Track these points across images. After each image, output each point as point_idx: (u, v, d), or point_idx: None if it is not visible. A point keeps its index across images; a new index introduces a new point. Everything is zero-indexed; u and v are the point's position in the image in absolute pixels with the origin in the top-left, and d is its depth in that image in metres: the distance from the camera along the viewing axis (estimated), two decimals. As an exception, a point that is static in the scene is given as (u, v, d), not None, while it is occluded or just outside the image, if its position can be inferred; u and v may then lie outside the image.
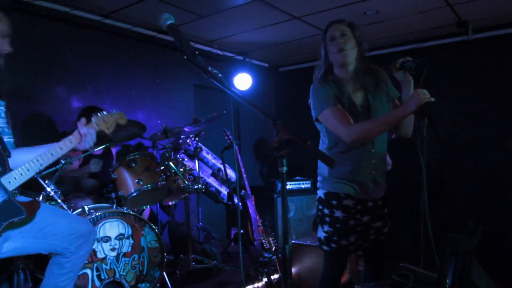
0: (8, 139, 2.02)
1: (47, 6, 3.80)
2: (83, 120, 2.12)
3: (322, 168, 2.44)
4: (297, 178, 5.29)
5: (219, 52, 5.46)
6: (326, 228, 2.35)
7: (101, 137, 3.26)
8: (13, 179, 1.80)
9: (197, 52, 1.67)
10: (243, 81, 5.55)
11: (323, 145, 2.42)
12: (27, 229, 1.93)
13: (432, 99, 2.03)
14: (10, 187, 1.78)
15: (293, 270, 3.90)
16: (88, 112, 3.71)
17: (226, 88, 1.62)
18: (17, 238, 1.91)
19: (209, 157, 4.53)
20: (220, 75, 1.66)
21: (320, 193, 2.42)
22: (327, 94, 2.25)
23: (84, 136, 2.07)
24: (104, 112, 2.28)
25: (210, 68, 1.64)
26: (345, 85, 2.32)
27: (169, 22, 1.72)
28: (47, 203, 3.13)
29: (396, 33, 5.02)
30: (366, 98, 2.34)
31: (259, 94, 6.18)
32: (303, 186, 5.27)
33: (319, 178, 2.47)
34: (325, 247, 2.37)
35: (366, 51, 2.33)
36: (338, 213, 2.31)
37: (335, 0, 4.06)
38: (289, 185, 5.19)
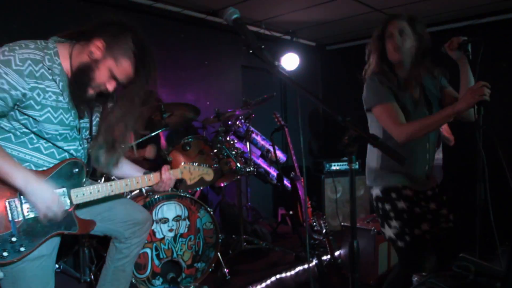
0: None
1: (101, -8, 3.89)
2: (167, 166, 2.14)
3: (372, 160, 2.39)
4: (345, 158, 5.25)
5: (267, 32, 5.42)
6: (393, 223, 2.27)
7: (155, 121, 3.37)
8: (81, 195, 1.84)
9: (263, 46, 1.67)
10: (290, 61, 5.50)
11: None
12: (87, 211, 1.99)
13: (487, 98, 1.96)
14: (75, 201, 1.83)
15: (342, 252, 3.93)
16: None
17: (293, 83, 1.61)
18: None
19: (258, 138, 4.58)
20: (286, 69, 1.65)
21: (376, 191, 2.35)
22: (383, 89, 2.21)
23: (163, 181, 2.11)
24: (195, 163, 2.31)
25: (276, 63, 1.64)
26: (401, 82, 2.27)
27: (234, 16, 1.72)
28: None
29: (450, 9, 4.80)
30: (421, 95, 2.31)
31: (306, 73, 6.11)
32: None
33: (369, 174, 2.41)
34: (399, 243, 2.27)
35: (429, 45, 2.26)
36: (401, 204, 2.25)
37: (387, -23, 3.92)
38: (336, 166, 5.16)
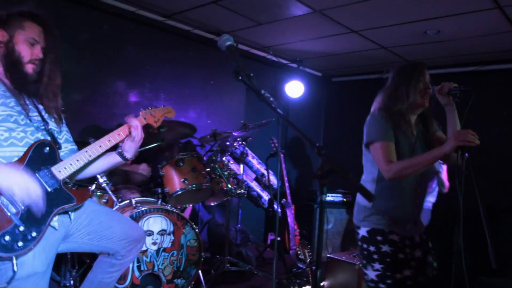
0: (68, 146, 2.12)
1: (115, 5, 4.01)
2: (131, 114, 2.16)
3: (364, 200, 2.39)
4: (340, 190, 5.27)
5: (274, 58, 5.53)
6: (376, 265, 2.29)
7: (152, 135, 3.42)
8: (63, 169, 1.89)
9: (252, 75, 1.73)
10: (295, 89, 5.60)
11: (370, 175, 2.39)
12: (86, 232, 2.05)
13: (475, 142, 2.01)
14: (61, 176, 1.87)
15: (326, 283, 3.91)
16: None
17: (276, 112, 1.66)
18: (75, 239, 2.05)
19: (254, 161, 4.62)
20: (271, 99, 1.71)
21: (363, 231, 2.36)
22: (386, 128, 2.26)
23: (134, 129, 2.09)
24: (152, 107, 2.32)
25: (262, 92, 1.70)
26: (405, 123, 2.33)
27: (228, 43, 1.81)
28: (98, 191, 3.34)
29: (456, 54, 4.89)
30: (417, 140, 2.38)
31: (310, 102, 6.20)
32: (344, 200, 5.22)
33: (358, 213, 2.42)
34: (381, 285, 2.28)
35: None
36: (385, 248, 2.27)
37: (395, 17, 4.01)
38: (330, 197, 5.17)
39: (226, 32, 4.86)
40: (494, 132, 4.64)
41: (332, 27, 4.40)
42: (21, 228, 1.71)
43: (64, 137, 2.12)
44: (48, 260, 1.86)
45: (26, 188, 1.72)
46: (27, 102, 1.98)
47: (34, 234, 1.73)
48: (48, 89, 2.02)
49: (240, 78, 1.74)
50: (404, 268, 2.27)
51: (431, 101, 2.36)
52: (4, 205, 1.70)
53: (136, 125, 2.10)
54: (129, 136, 2.10)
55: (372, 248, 2.31)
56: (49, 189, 1.83)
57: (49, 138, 1.96)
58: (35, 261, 1.78)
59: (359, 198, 2.45)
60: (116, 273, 2.26)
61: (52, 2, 3.68)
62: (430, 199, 4.25)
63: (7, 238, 1.66)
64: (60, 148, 2.00)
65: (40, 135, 1.93)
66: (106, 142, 2.04)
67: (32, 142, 1.87)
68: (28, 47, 1.94)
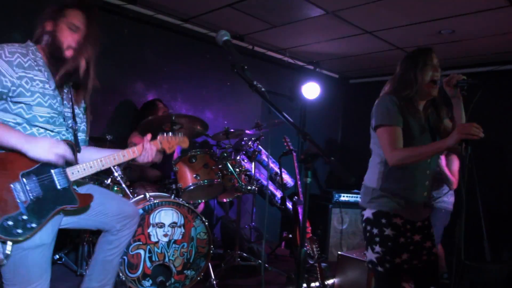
0: (81, 136, 2.28)
1: (135, 10, 4.20)
2: (149, 136, 2.33)
3: (372, 179, 2.43)
4: (355, 191, 5.28)
5: (290, 60, 5.61)
6: (377, 248, 2.33)
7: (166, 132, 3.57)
8: (76, 172, 2.04)
9: (246, 67, 1.84)
10: (311, 90, 5.66)
11: (378, 157, 2.41)
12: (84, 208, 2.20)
13: (479, 135, 2.04)
14: (72, 178, 2.03)
15: (336, 281, 3.95)
16: (148, 106, 4.04)
17: (268, 101, 1.75)
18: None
19: (268, 161, 4.70)
20: (263, 89, 1.81)
21: (368, 213, 2.40)
22: (393, 110, 2.29)
23: (145, 150, 2.29)
24: (170, 133, 2.50)
25: (255, 82, 1.80)
26: (414, 109, 2.35)
27: (225, 38, 1.92)
28: (115, 186, 3.51)
29: (471, 53, 4.86)
30: (426, 123, 2.40)
31: (327, 104, 6.25)
32: (360, 200, 5.22)
33: (364, 194, 2.46)
34: (379, 268, 2.33)
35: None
36: (388, 231, 2.30)
37: (409, 16, 4.04)
38: (345, 197, 5.20)
39: (242, 35, 4.99)
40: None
41: (345, 28, 4.46)
42: (24, 217, 1.84)
43: (81, 126, 2.28)
44: (54, 233, 2.02)
45: (51, 143, 1.90)
46: (65, 92, 2.13)
47: (33, 225, 1.86)
48: (85, 78, 2.15)
49: (235, 70, 1.84)
50: (403, 252, 2.30)
51: (440, 92, 2.38)
52: (16, 191, 1.85)
53: (148, 148, 2.29)
54: (140, 156, 2.29)
55: (375, 231, 2.34)
56: (58, 187, 1.97)
57: (73, 138, 2.13)
58: (43, 234, 1.93)
59: (366, 180, 2.48)
60: (115, 249, 2.38)
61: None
62: (447, 199, 4.23)
63: (10, 222, 1.80)
64: (79, 151, 2.16)
65: (68, 135, 2.11)
66: (120, 156, 2.21)
67: (60, 140, 2.04)
68: (69, 33, 2.06)
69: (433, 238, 2.44)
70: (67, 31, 2.05)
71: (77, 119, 2.18)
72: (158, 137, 2.41)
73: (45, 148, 1.88)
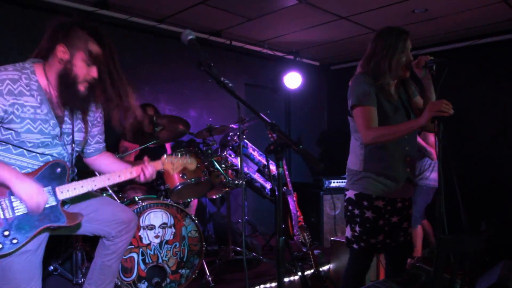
0: (91, 148, 2.32)
1: (108, 15, 4.19)
2: (148, 159, 2.29)
3: (354, 162, 2.50)
4: (344, 176, 5.32)
5: (270, 52, 5.63)
6: (356, 228, 2.45)
7: (148, 134, 3.58)
8: (66, 191, 2.03)
9: (212, 64, 1.86)
10: (293, 80, 5.68)
11: (358, 140, 2.48)
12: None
13: (449, 112, 2.08)
14: (61, 197, 2.02)
15: (331, 266, 4.00)
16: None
17: (235, 96, 1.77)
18: None
19: (255, 154, 4.73)
20: (230, 85, 1.83)
21: (350, 194, 2.49)
22: (368, 92, 2.35)
23: (144, 174, 2.24)
24: (179, 154, 2.47)
25: (222, 79, 1.82)
26: (386, 88, 2.41)
27: (190, 37, 1.95)
28: (103, 193, 3.51)
29: (445, 31, 4.90)
30: (399, 103, 2.47)
31: (311, 91, 6.28)
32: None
33: (349, 176, 2.53)
34: (354, 246, 2.47)
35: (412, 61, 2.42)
36: (368, 214, 2.40)
37: (381, -1, 4.06)
38: (335, 183, 5.25)
39: (219, 30, 5.00)
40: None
41: (321, 15, 4.48)
42: (6, 233, 1.86)
43: (95, 138, 2.32)
44: (40, 240, 2.02)
45: (35, 191, 1.89)
46: (66, 114, 2.09)
47: (15, 241, 1.88)
48: (94, 104, 2.16)
49: (202, 68, 1.86)
50: (379, 234, 2.41)
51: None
52: (2, 208, 1.87)
53: (150, 172, 2.24)
54: (141, 176, 2.25)
55: (356, 212, 2.44)
56: (46, 205, 1.96)
57: (69, 154, 2.12)
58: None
59: (349, 163, 2.55)
60: (113, 255, 2.38)
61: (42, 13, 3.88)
62: (429, 175, 4.28)
63: None
64: (73, 171, 2.17)
65: (64, 153, 2.10)
66: (116, 177, 2.18)
67: (52, 159, 2.04)
68: (86, 67, 2.01)
69: (410, 219, 2.52)
70: (83, 65, 2.00)
71: (79, 133, 2.17)
72: (162, 158, 2.36)
73: (29, 194, 1.87)
